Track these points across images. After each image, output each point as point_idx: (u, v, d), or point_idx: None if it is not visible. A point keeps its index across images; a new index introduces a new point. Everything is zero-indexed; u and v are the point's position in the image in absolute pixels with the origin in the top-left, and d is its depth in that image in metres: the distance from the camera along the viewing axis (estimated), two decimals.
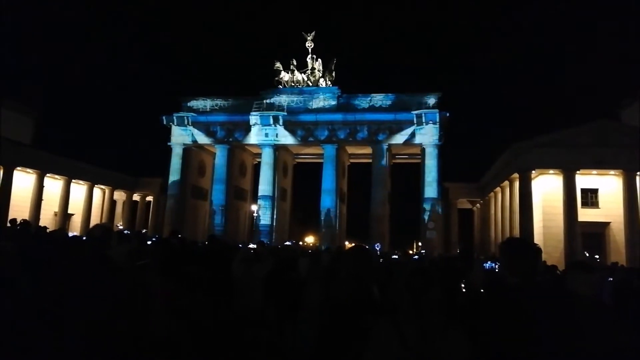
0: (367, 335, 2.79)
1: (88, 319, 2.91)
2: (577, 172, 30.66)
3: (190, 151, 40.59)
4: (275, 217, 37.87)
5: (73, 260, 3.59)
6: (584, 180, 32.00)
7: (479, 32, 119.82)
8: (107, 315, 2.90)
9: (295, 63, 39.17)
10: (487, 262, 11.34)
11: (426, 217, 34.49)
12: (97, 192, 45.98)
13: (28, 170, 36.75)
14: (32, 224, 14.98)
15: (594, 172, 31.93)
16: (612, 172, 31.56)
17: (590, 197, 33.00)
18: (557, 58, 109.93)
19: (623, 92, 41.29)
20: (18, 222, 11.35)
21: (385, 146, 36.16)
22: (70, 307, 2.94)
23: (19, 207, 33.53)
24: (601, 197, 32.81)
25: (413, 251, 41.22)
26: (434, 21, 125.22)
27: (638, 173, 29.97)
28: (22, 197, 35.52)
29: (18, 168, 35.01)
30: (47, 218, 37.94)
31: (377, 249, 26.85)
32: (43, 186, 37.60)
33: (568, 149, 30.02)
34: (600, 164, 30.52)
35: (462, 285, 3.74)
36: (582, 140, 29.92)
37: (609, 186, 32.33)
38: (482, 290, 3.81)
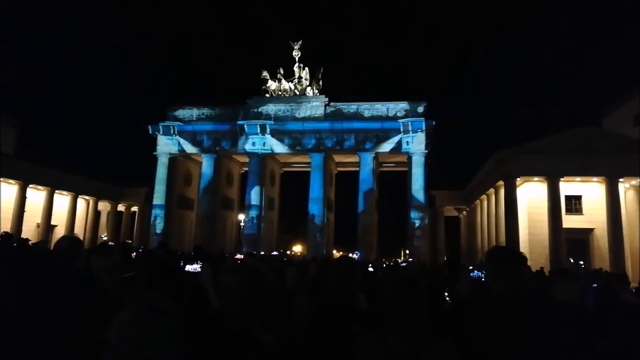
0: (354, 345, 2.77)
1: (60, 333, 2.86)
2: (561, 179, 31.09)
3: (177, 160, 40.31)
4: (262, 226, 37.71)
5: (42, 274, 3.52)
6: (568, 187, 32.47)
7: (464, 41, 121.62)
8: (79, 330, 2.85)
9: (282, 72, 39.29)
10: (474, 271, 11.38)
11: (413, 225, 34.66)
12: (81, 202, 45.31)
13: (10, 181, 36.10)
14: (14, 236, 14.69)
15: (578, 179, 32.42)
16: (595, 179, 32.06)
17: (574, 204, 33.47)
18: (541, 66, 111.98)
19: (605, 99, 42.20)
20: None
21: (372, 154, 36.33)
22: (41, 321, 2.89)
23: (1, 219, 32.84)
24: (585, 204, 33.29)
25: (401, 259, 41.33)
26: (420, 31, 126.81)
27: (620, 180, 30.50)
28: (4, 209, 34.74)
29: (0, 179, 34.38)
30: (30, 230, 37.24)
31: (356, 256, 26.77)
32: (25, 197, 36.95)
33: (552, 156, 30.38)
34: (584, 171, 31.00)
35: (446, 294, 3.75)
36: (565, 147, 30.34)
37: (592, 193, 32.83)
38: (468, 299, 3.83)
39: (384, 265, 14.67)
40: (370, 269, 10.80)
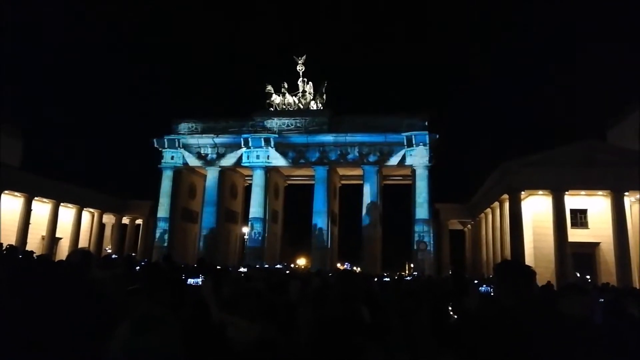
0: (360, 357, 2.76)
1: (65, 345, 2.85)
2: (566, 192, 30.92)
3: (181, 174, 40.46)
4: (266, 239, 37.62)
5: (52, 287, 3.52)
6: (573, 200, 32.28)
7: (469, 54, 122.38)
8: (85, 343, 2.84)
9: (286, 86, 39.57)
10: (482, 286, 11.30)
11: (417, 239, 34.48)
12: (86, 215, 45.44)
13: (15, 193, 36.29)
14: (19, 248, 14.73)
15: (583, 192, 32.24)
16: (600, 192, 31.88)
17: (580, 218, 33.23)
18: (545, 78, 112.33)
19: (609, 112, 42.19)
20: (4, 247, 11.18)
21: (375, 168, 36.33)
22: (48, 334, 2.88)
23: (6, 232, 32.88)
24: (590, 218, 33.06)
25: (405, 272, 41.07)
26: (425, 45, 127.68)
27: (626, 193, 30.30)
28: (9, 221, 34.93)
29: (5, 191, 34.58)
30: (35, 242, 37.34)
31: (359, 270, 26.67)
32: (31, 210, 37.11)
33: (556, 169, 30.30)
34: (589, 184, 30.82)
35: (450, 308, 3.73)
36: (570, 160, 30.25)
37: (597, 206, 32.60)
38: (476, 313, 3.80)
39: (388, 279, 14.60)
40: (374, 282, 10.73)
